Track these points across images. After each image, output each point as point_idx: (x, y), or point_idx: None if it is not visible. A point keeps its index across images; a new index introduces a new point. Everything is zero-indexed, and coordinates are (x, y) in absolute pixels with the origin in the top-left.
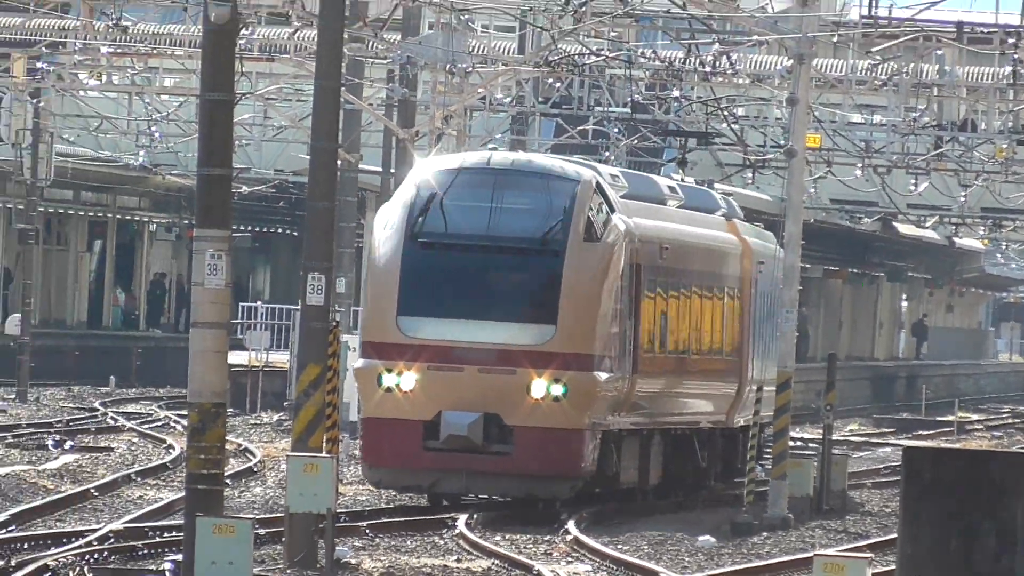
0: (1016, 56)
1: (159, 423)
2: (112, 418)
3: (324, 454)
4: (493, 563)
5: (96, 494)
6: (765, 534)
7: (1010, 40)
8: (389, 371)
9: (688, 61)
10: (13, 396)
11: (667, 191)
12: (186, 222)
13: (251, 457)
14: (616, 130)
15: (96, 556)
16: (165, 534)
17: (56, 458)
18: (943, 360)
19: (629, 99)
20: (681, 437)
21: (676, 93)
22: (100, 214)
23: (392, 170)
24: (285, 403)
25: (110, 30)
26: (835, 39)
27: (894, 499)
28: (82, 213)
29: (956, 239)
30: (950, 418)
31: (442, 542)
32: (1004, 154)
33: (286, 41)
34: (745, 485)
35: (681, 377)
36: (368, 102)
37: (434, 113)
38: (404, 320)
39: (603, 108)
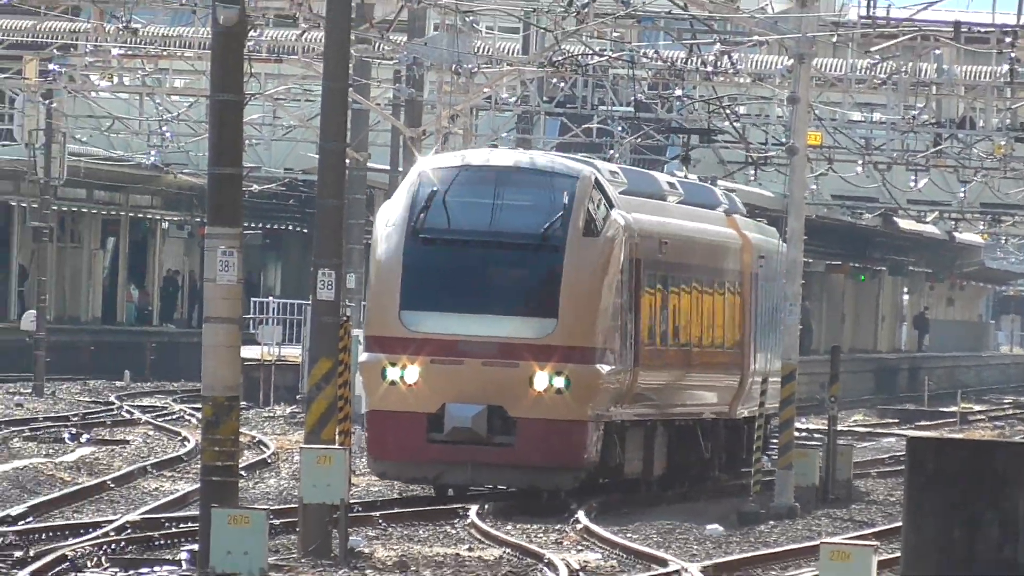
0: (1013, 55)
1: (174, 416)
2: (127, 411)
3: (337, 446)
4: (505, 552)
5: (112, 486)
6: (772, 523)
7: (1007, 39)
8: (393, 365)
9: (690, 61)
10: (30, 391)
11: (667, 187)
12: (198, 220)
13: (265, 449)
14: (620, 129)
15: (113, 547)
16: (181, 525)
17: (73, 451)
18: (945, 352)
19: (632, 98)
20: (684, 428)
21: (678, 92)
22: (113, 212)
23: (399, 168)
24: (298, 396)
25: (120, 32)
26: (835, 39)
27: (898, 488)
28: (95, 211)
29: (956, 234)
30: (953, 409)
31: (454, 531)
32: (1002, 150)
33: (294, 42)
34: (752, 475)
35: (683, 369)
36: (375, 102)
37: (440, 113)
38: (407, 314)
39: (607, 107)
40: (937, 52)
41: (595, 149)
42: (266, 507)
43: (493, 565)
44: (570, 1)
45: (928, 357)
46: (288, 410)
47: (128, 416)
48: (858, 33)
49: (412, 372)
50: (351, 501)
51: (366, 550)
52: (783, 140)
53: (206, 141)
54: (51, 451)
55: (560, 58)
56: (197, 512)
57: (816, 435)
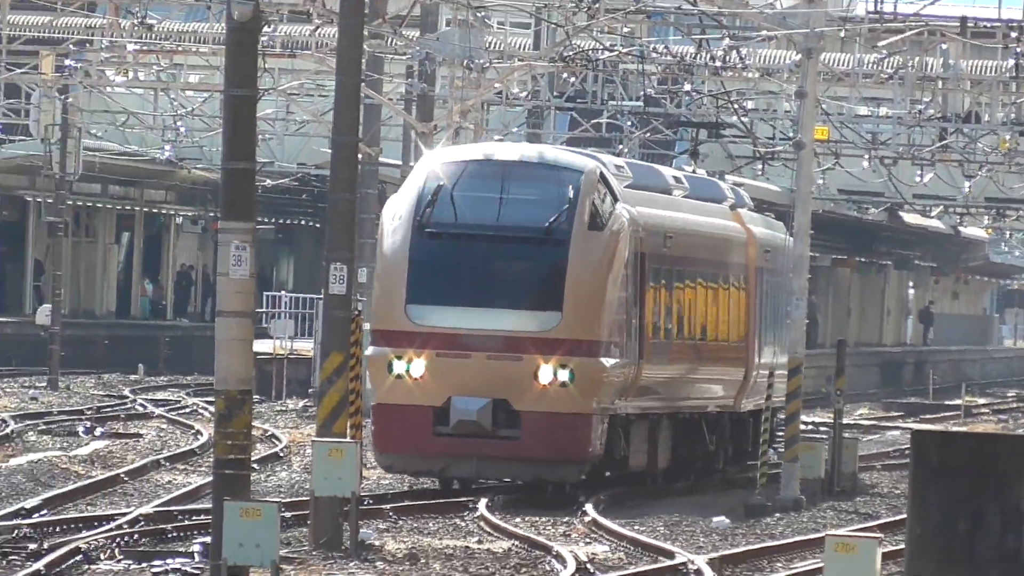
0: (1019, 50)
1: (187, 410)
2: (141, 405)
3: (348, 439)
4: (513, 544)
5: (126, 479)
6: (778, 515)
7: (1013, 34)
8: (399, 358)
9: (699, 56)
10: (45, 384)
11: (672, 181)
12: (211, 214)
13: (277, 442)
14: (629, 123)
15: (126, 539)
16: (193, 517)
17: (87, 444)
18: (949, 346)
19: (642, 93)
20: (689, 422)
21: (687, 87)
22: (127, 207)
23: (411, 163)
24: (309, 390)
25: (136, 28)
26: (842, 34)
27: (903, 481)
28: (110, 206)
29: (961, 228)
30: (957, 402)
31: (463, 524)
32: (1007, 145)
33: (307, 38)
34: (758, 468)
35: (687, 363)
36: (388, 97)
37: (452, 107)
38: (413, 308)
39: (616, 102)
40: (943, 47)
41: (605, 144)
42: (278, 500)
43: (502, 557)
44: None
45: (933, 351)
46: (300, 404)
47: (142, 410)
48: (865, 28)
49: (418, 366)
50: (362, 494)
51: (376, 542)
52: (790, 135)
53: (220, 136)
54: (65, 444)
55: (571, 53)
56: (210, 505)
57: (822, 428)
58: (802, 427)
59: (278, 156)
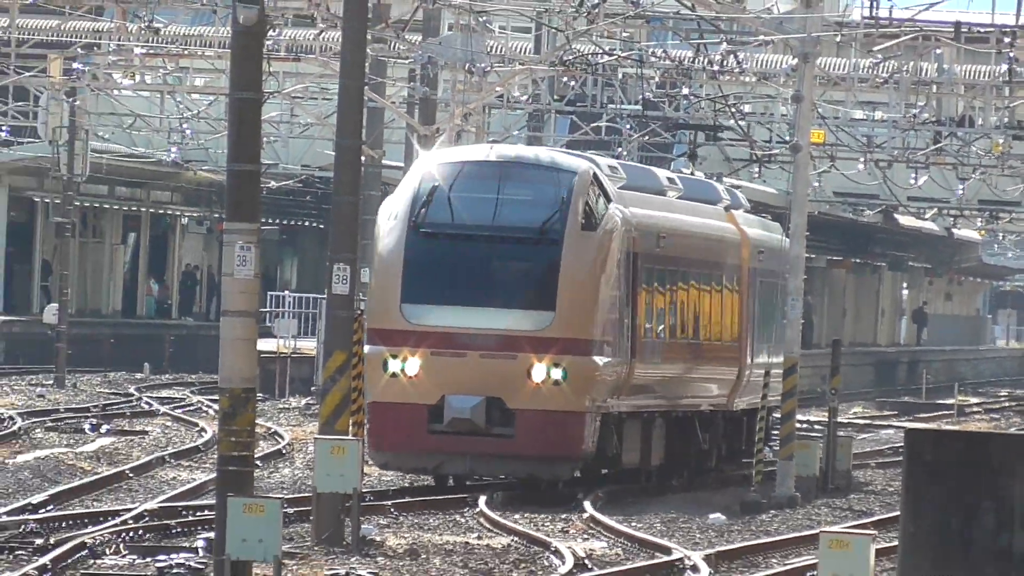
0: (1012, 54)
1: (191, 407)
2: (146, 403)
3: (350, 437)
4: (513, 540)
5: (131, 475)
6: (773, 512)
7: (1006, 39)
8: (394, 357)
9: (697, 60)
10: (51, 382)
11: (666, 182)
12: (216, 215)
13: (280, 440)
14: (628, 126)
15: (131, 534)
16: (197, 513)
17: (93, 441)
18: (943, 346)
19: (640, 97)
20: (682, 420)
21: (685, 91)
22: (134, 208)
23: None
24: (312, 388)
25: (142, 32)
26: (838, 39)
27: (897, 479)
28: (116, 207)
29: (954, 230)
30: (950, 401)
31: (463, 520)
32: (1000, 149)
33: (312, 42)
34: (754, 465)
35: (680, 362)
36: (391, 100)
37: (454, 111)
38: (408, 307)
39: (616, 105)
40: (938, 52)
41: (604, 146)
42: (281, 496)
43: (501, 553)
44: (581, 2)
45: (926, 351)
46: (303, 402)
47: (147, 407)
48: (861, 33)
49: (413, 364)
50: (363, 490)
51: (378, 538)
52: (787, 138)
53: (225, 138)
54: (72, 441)
55: (571, 57)
56: (213, 501)
57: (817, 427)
58: (797, 425)
59: (282, 158)
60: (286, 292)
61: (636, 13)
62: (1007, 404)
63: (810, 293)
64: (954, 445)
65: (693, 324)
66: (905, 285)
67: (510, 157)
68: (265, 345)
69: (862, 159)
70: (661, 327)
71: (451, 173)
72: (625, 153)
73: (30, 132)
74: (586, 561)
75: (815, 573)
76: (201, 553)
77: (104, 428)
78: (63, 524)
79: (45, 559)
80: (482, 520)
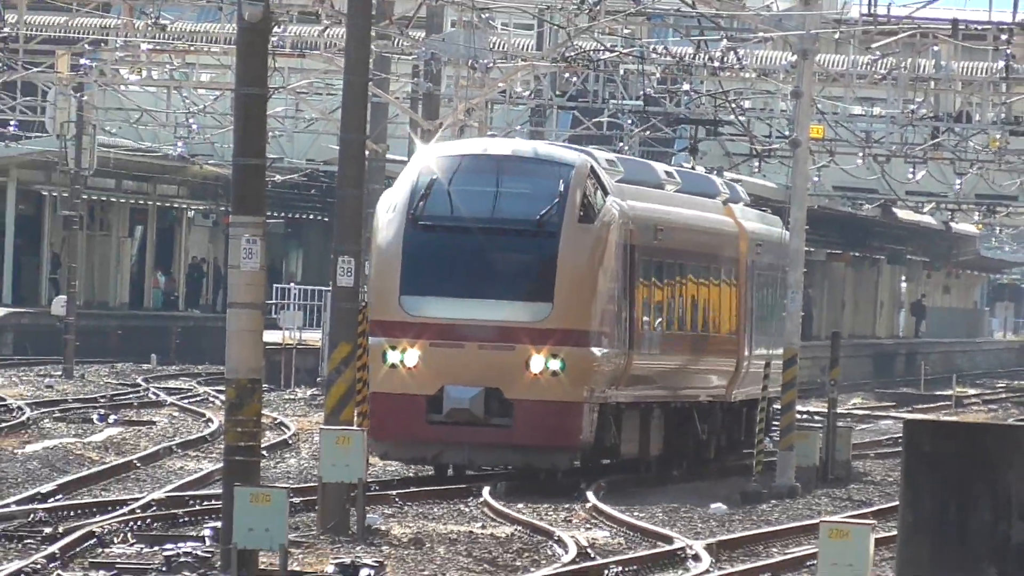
0: (1008, 51)
1: (198, 398)
2: (154, 393)
3: (355, 427)
4: (516, 529)
5: (139, 465)
6: (773, 502)
7: (1003, 36)
8: (393, 348)
9: (697, 56)
10: (60, 373)
11: (664, 176)
12: (223, 209)
13: (286, 430)
14: (630, 122)
15: (139, 523)
16: (204, 503)
17: (101, 431)
18: (941, 338)
19: (642, 92)
20: (681, 411)
21: (686, 87)
22: (141, 202)
23: None
24: (317, 379)
25: (149, 28)
26: (837, 36)
27: (895, 469)
28: (124, 201)
29: (952, 224)
30: (948, 393)
31: (467, 510)
32: (997, 144)
33: (316, 38)
34: (754, 456)
35: (677, 353)
36: (394, 96)
37: (457, 106)
38: (407, 299)
39: (617, 101)
40: (935, 49)
41: (605, 141)
42: (287, 486)
43: (505, 542)
44: None
45: (925, 343)
46: (308, 392)
47: (154, 398)
48: (859, 30)
49: (412, 355)
50: (368, 480)
51: (383, 527)
52: (786, 133)
53: (231, 133)
54: (80, 431)
55: (572, 54)
56: (220, 490)
57: (817, 417)
58: (797, 416)
59: (288, 153)
60: (291, 284)
61: (637, 10)
62: (1004, 395)
63: (810, 286)
64: (952, 436)
65: (691, 316)
66: (903, 278)
67: (508, 150)
68: (271, 337)
69: (861, 154)
70: (659, 319)
71: (449, 166)
72: (627, 148)
73: (38, 127)
74: (589, 550)
75: (815, 562)
76: (208, 542)
77: (112, 418)
78: (71, 513)
79: (54, 548)
80: (486, 509)
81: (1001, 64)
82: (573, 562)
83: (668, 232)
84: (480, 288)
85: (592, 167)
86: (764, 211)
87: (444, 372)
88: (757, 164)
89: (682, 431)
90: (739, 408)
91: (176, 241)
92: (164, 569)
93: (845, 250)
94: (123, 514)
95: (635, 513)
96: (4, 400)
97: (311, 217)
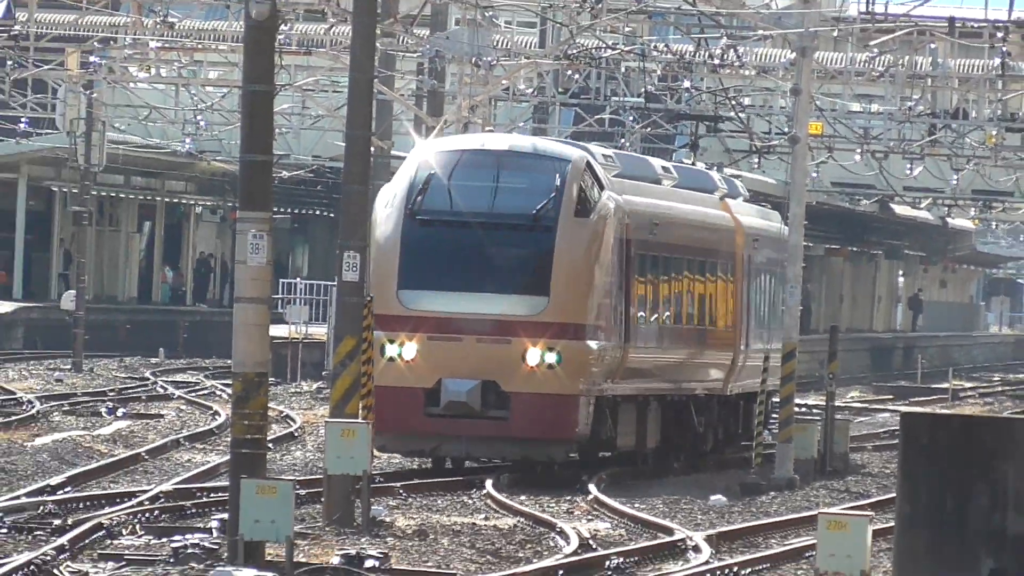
0: (1004, 49)
1: (206, 391)
2: (161, 387)
3: (360, 420)
4: (519, 521)
5: (147, 457)
6: (772, 494)
7: (999, 34)
8: (391, 342)
9: (698, 54)
10: (69, 367)
11: (660, 171)
12: (230, 205)
13: (292, 423)
14: (631, 118)
15: (147, 515)
16: (211, 495)
17: (110, 424)
18: (938, 332)
19: (643, 90)
20: (677, 404)
21: (687, 84)
22: (149, 197)
23: None
24: (323, 373)
25: (158, 26)
26: (835, 34)
27: (893, 461)
28: (132, 196)
29: (949, 219)
30: (945, 386)
31: (471, 501)
32: (994, 140)
33: (322, 36)
34: (753, 449)
35: (674, 347)
36: (399, 93)
37: (461, 103)
38: (405, 293)
39: (619, 98)
40: (932, 46)
41: (607, 138)
42: (292, 478)
43: (508, 533)
44: None
45: (922, 336)
46: (314, 386)
47: (162, 391)
48: (857, 28)
49: (410, 349)
50: (373, 472)
51: (387, 519)
52: (786, 129)
53: (238, 130)
54: (89, 424)
55: (575, 51)
56: (227, 483)
57: (815, 410)
58: (796, 409)
59: (294, 149)
60: (298, 279)
61: (639, 8)
62: (1000, 388)
63: (808, 280)
64: (949, 428)
65: (687, 310)
66: (901, 273)
67: (505, 145)
68: (277, 331)
69: (859, 150)
70: (655, 313)
71: (447, 161)
72: (628, 144)
73: (48, 123)
74: (590, 541)
75: (814, 553)
76: (215, 533)
77: (120, 411)
78: (80, 505)
79: (63, 539)
80: (489, 501)
81: (997, 61)
82: (575, 553)
83: (664, 226)
84: (477, 282)
85: (588, 162)
86: (763, 206)
87: (442, 365)
88: (757, 160)
89: (679, 424)
90: (736, 401)
91: (184, 236)
92: (172, 560)
93: (843, 245)
94: (131, 506)
95: (636, 505)
96: (14, 393)
97: (317, 213)
